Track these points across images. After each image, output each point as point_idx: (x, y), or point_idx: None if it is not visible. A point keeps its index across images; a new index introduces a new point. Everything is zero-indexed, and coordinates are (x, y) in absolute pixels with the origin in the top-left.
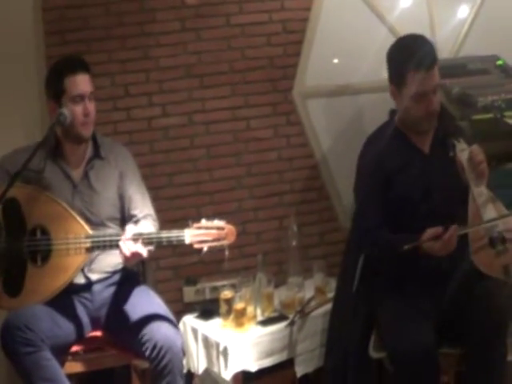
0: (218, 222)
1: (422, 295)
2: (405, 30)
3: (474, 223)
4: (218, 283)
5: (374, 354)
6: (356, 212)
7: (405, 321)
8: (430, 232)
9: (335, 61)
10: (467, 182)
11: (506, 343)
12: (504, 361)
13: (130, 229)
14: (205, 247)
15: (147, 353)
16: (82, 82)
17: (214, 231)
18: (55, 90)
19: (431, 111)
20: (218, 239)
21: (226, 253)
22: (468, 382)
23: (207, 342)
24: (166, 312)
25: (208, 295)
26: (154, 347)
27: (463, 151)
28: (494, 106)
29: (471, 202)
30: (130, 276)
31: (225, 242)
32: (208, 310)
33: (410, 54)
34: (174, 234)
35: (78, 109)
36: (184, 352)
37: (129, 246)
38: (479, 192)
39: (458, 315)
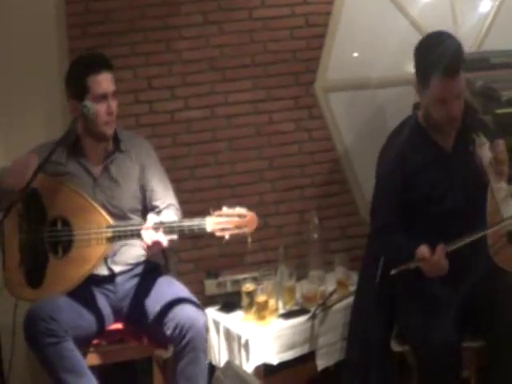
0: (239, 210)
1: (445, 290)
2: (427, 23)
3: (492, 222)
4: (240, 276)
5: (395, 347)
6: (371, 209)
7: (427, 314)
8: (420, 252)
9: (357, 54)
10: (486, 177)
11: None
12: None
13: (152, 218)
14: (226, 235)
15: (169, 332)
16: (105, 81)
17: (235, 219)
18: (77, 89)
19: (452, 117)
20: (239, 226)
21: (249, 240)
22: (489, 376)
23: (229, 335)
24: (188, 295)
25: (229, 288)
26: (176, 326)
27: (482, 146)
28: None
29: (490, 198)
30: (153, 268)
31: (246, 230)
32: (230, 302)
33: (436, 58)
34: (195, 222)
35: (102, 108)
36: (208, 329)
37: (150, 235)
38: (499, 187)
39: (481, 308)
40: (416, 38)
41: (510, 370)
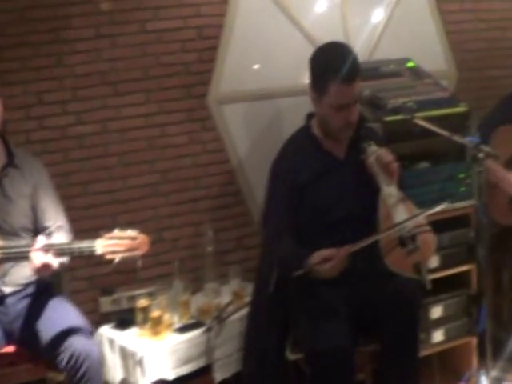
0: (130, 232)
1: (336, 295)
2: (319, 34)
3: (384, 227)
4: (135, 292)
5: (290, 355)
6: (263, 219)
7: (319, 321)
8: (320, 254)
9: (251, 66)
10: (378, 185)
11: (418, 339)
12: (416, 357)
13: (41, 239)
14: (117, 258)
15: (63, 363)
16: None
17: (126, 241)
18: None
19: (350, 121)
20: (130, 249)
21: (139, 263)
22: (382, 377)
23: (124, 352)
24: (81, 322)
25: (125, 305)
26: (71, 357)
27: (373, 154)
28: (403, 108)
29: (381, 204)
30: (45, 288)
31: (137, 253)
32: (124, 319)
33: (334, 65)
34: (85, 244)
35: None
36: (101, 361)
37: (39, 257)
38: (389, 193)
39: (372, 313)
40: (309, 50)
41: (402, 372)
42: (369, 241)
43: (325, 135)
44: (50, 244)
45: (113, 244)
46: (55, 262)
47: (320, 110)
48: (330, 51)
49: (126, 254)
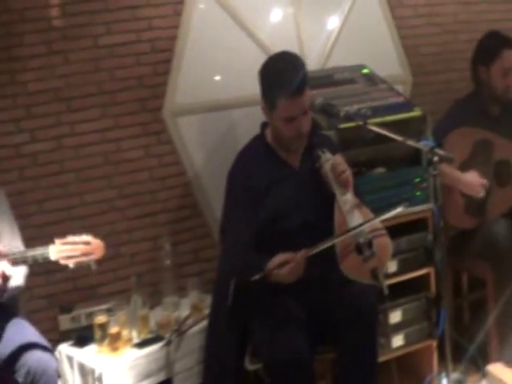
0: (84, 237)
1: (294, 304)
2: (274, 44)
3: (338, 232)
4: (94, 309)
5: (249, 366)
6: (222, 228)
7: (277, 331)
8: (277, 258)
9: (205, 78)
10: (333, 191)
11: (377, 345)
12: (375, 362)
13: None
14: (71, 263)
15: (21, 380)
16: None
17: (80, 246)
18: None
19: (301, 132)
20: (85, 254)
21: (94, 268)
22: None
23: (83, 370)
24: (37, 338)
25: (84, 322)
26: (28, 372)
27: (328, 161)
28: (356, 114)
29: (337, 211)
30: (2, 309)
31: (92, 257)
32: (83, 336)
33: (280, 80)
34: (38, 251)
35: None
36: (59, 375)
37: None
38: (344, 200)
39: (331, 320)
40: (263, 59)
41: (361, 378)
42: (325, 245)
43: (279, 145)
44: (4, 253)
45: (67, 249)
46: (11, 270)
47: (272, 121)
48: (277, 64)
49: (81, 259)
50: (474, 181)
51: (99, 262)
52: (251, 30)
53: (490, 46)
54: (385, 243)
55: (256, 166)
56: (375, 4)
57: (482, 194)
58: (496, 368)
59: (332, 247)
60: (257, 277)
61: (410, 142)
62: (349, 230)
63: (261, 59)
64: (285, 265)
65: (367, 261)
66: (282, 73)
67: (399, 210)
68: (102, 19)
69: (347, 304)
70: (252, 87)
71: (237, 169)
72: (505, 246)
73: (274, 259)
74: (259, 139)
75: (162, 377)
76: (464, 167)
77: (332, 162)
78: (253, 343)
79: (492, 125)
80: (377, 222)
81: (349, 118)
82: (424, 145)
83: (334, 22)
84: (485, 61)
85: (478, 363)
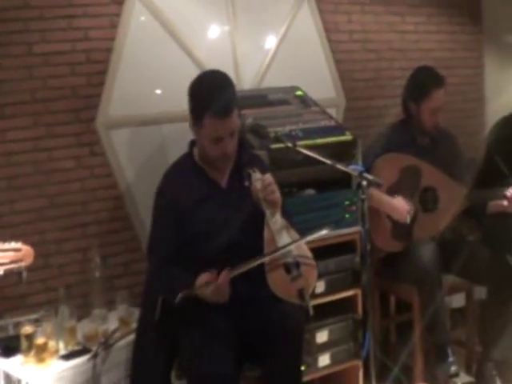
0: (14, 244)
1: (221, 320)
2: (209, 61)
3: (268, 251)
4: (21, 318)
5: (175, 381)
6: (148, 247)
7: (203, 347)
8: (202, 278)
9: (140, 91)
10: (263, 211)
11: (301, 364)
12: (300, 381)
13: None
14: (1, 270)
15: None
16: None
17: (10, 253)
18: None
19: (226, 153)
20: (14, 261)
21: (24, 275)
22: None
23: (9, 380)
24: None
25: (11, 331)
26: None
27: (258, 181)
28: (286, 136)
29: (266, 230)
30: None
31: (22, 264)
32: (10, 346)
33: (208, 99)
34: None
35: None
36: None
37: None
38: (274, 220)
39: (258, 337)
40: None
41: None
42: (250, 265)
43: (206, 163)
44: None
45: None
46: None
47: (199, 139)
48: (207, 83)
49: (11, 266)
50: (400, 207)
51: (28, 271)
52: (187, 47)
53: (420, 84)
54: (311, 265)
55: (183, 184)
56: (311, 27)
57: (407, 220)
58: None
59: (262, 265)
60: (179, 297)
61: (339, 166)
62: (277, 250)
63: (195, 76)
64: (208, 285)
65: (295, 280)
66: (210, 92)
67: (324, 232)
68: (37, 27)
69: (274, 322)
70: (186, 103)
71: (163, 187)
72: (429, 271)
73: (199, 278)
74: (187, 157)
75: None
76: (391, 191)
77: (262, 181)
78: (179, 359)
79: (421, 153)
80: (304, 246)
81: (278, 139)
82: (353, 169)
83: (270, 43)
84: (415, 98)
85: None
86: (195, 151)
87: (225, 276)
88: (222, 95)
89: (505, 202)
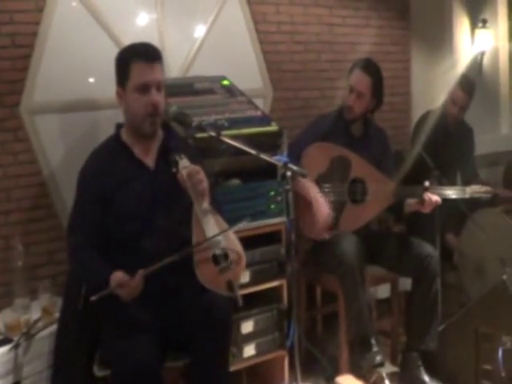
0: None
1: (144, 311)
2: None
3: (196, 242)
4: None
5: (98, 372)
6: (68, 227)
7: (125, 337)
8: (116, 277)
9: (65, 77)
10: (190, 199)
11: (228, 354)
12: (227, 371)
13: None
14: None
15: None
16: None
17: None
18: None
19: (154, 104)
20: None
21: None
22: None
23: None
24: None
25: None
26: None
27: (185, 168)
28: (210, 125)
29: (194, 218)
30: None
31: None
32: None
33: (133, 50)
34: None
35: None
36: None
37: None
38: (202, 209)
39: (184, 328)
40: None
41: None
42: (164, 262)
43: (135, 139)
44: None
45: None
46: None
47: (126, 103)
48: (130, 44)
49: None
50: (323, 209)
51: None
52: (114, 33)
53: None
54: (240, 256)
55: (108, 164)
56: (240, 17)
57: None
58: (345, 379)
59: (191, 256)
60: (94, 298)
61: (264, 156)
62: (203, 241)
63: None
64: (121, 286)
65: (223, 272)
66: (135, 45)
67: (242, 223)
68: None
69: (201, 312)
70: (111, 90)
71: (87, 167)
72: (350, 263)
73: (112, 279)
74: (114, 138)
75: (9, 380)
76: (321, 180)
77: (189, 170)
78: (101, 350)
79: (353, 144)
80: (232, 236)
81: (201, 128)
82: (277, 160)
83: (198, 32)
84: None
85: (329, 374)
86: (123, 131)
87: (138, 278)
88: (148, 45)
89: (421, 207)
